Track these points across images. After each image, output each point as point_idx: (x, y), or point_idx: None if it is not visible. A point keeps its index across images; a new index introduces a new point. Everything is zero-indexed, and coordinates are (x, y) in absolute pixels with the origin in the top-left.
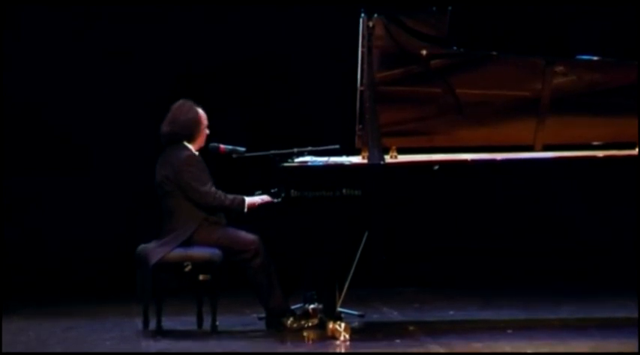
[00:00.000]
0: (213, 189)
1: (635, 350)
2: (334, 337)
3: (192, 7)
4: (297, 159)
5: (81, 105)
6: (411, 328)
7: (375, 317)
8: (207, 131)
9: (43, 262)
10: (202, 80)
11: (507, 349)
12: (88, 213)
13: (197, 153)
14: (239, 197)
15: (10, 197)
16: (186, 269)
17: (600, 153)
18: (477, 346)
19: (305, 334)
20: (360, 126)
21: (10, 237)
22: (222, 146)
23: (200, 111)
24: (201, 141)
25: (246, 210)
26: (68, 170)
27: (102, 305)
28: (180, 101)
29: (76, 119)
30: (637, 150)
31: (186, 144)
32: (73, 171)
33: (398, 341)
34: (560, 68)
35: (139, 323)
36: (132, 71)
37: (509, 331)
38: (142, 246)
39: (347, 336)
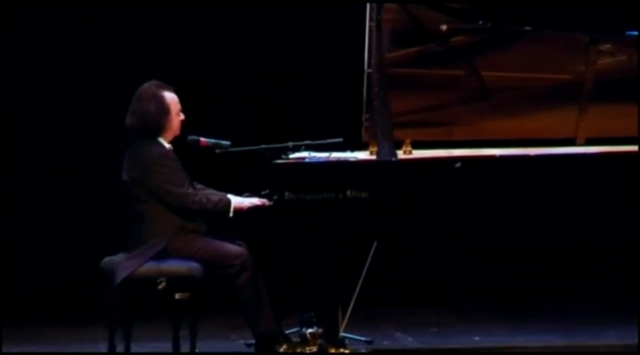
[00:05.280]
0: (192, 190)
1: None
2: None
3: (192, 7)
4: (292, 155)
5: (81, 104)
6: None
7: (385, 343)
8: (181, 116)
9: (43, 262)
10: (202, 80)
11: None
12: (88, 212)
13: (170, 146)
14: (224, 198)
15: (10, 197)
16: (160, 286)
17: None
18: None
19: None
20: (368, 115)
21: (10, 237)
22: (202, 139)
23: (166, 94)
24: (174, 130)
25: (231, 214)
26: (68, 170)
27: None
28: (144, 86)
29: (76, 119)
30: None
31: (155, 138)
32: (73, 171)
33: None
34: (606, 46)
35: (102, 348)
36: (132, 71)
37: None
38: (107, 259)
39: None
